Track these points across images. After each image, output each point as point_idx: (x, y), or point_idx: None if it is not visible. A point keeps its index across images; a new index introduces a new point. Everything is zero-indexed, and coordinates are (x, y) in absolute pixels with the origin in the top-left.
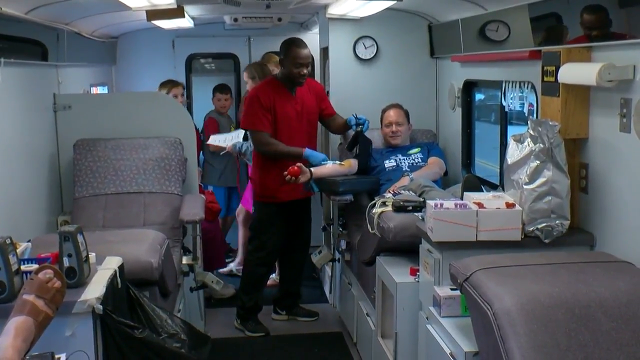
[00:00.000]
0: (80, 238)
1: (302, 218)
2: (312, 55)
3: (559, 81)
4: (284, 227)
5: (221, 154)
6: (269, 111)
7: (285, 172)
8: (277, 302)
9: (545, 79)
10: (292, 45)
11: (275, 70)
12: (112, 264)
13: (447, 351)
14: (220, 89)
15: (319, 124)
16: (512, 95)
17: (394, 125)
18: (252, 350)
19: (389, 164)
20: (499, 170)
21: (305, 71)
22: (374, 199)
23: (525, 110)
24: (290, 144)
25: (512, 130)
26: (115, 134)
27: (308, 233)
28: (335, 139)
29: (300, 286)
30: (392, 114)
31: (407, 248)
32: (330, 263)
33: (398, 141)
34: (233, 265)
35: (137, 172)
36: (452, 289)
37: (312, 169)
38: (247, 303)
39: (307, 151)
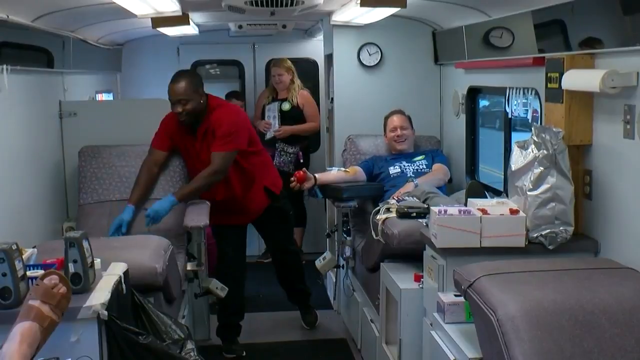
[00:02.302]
0: (85, 244)
1: (266, 236)
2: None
3: (562, 88)
4: (237, 241)
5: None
6: (169, 139)
7: (292, 178)
8: (288, 297)
9: (549, 85)
10: (171, 81)
11: (285, 75)
12: (117, 269)
13: (451, 357)
14: (235, 95)
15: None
16: (516, 102)
17: (398, 130)
18: (256, 357)
19: (393, 170)
20: (503, 177)
21: (179, 109)
22: (378, 205)
23: (529, 117)
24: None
25: (516, 137)
26: (120, 141)
27: (279, 245)
28: (340, 146)
29: (298, 286)
30: (395, 119)
31: (411, 254)
32: (334, 269)
33: (404, 146)
34: None
35: None
36: (456, 295)
37: (316, 175)
38: (224, 320)
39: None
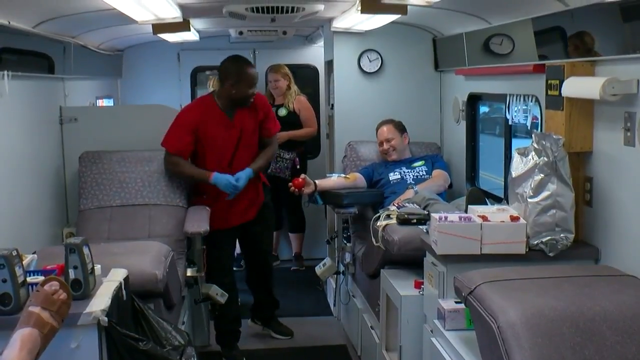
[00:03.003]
0: (86, 250)
1: (254, 237)
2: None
3: (562, 95)
4: (231, 248)
5: None
6: (192, 134)
7: (290, 184)
8: (253, 312)
9: (549, 92)
10: (244, 65)
11: (281, 80)
12: (117, 276)
13: None
14: None
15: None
16: (516, 109)
17: (384, 143)
18: None
19: (393, 176)
20: (503, 183)
21: (256, 91)
22: (378, 212)
23: (529, 124)
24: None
25: (516, 143)
26: (121, 147)
27: (265, 247)
28: (340, 152)
29: (273, 293)
30: (381, 132)
31: (411, 261)
32: (334, 275)
33: (394, 156)
34: None
35: (142, 185)
36: (456, 302)
37: (316, 181)
38: (222, 327)
39: (214, 177)
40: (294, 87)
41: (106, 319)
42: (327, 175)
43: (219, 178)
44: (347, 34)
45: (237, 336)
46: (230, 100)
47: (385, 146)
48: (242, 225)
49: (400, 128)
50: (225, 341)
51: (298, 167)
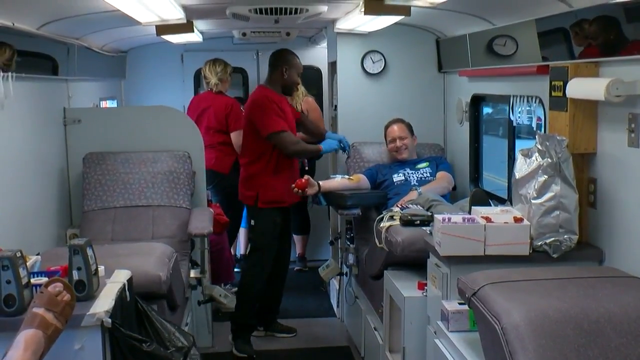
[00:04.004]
0: (89, 251)
1: (288, 227)
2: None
3: (566, 96)
4: (280, 236)
5: None
6: (283, 112)
7: (293, 185)
8: (270, 312)
9: (553, 93)
10: (294, 55)
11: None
12: (121, 277)
13: None
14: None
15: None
16: (520, 110)
17: (397, 141)
18: None
19: (397, 178)
20: (507, 185)
21: None
22: (381, 213)
23: (534, 125)
24: None
25: (520, 145)
26: (125, 148)
27: (290, 242)
28: (343, 153)
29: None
30: (393, 130)
31: (415, 262)
32: (338, 276)
33: (405, 155)
34: None
35: (145, 186)
36: (460, 304)
37: (320, 182)
38: (240, 320)
39: (323, 145)
40: (302, 89)
41: (110, 320)
42: (331, 176)
43: (325, 144)
44: (351, 35)
45: (252, 331)
46: (281, 85)
47: (399, 143)
48: (285, 220)
49: (410, 129)
50: (242, 335)
51: (307, 168)
